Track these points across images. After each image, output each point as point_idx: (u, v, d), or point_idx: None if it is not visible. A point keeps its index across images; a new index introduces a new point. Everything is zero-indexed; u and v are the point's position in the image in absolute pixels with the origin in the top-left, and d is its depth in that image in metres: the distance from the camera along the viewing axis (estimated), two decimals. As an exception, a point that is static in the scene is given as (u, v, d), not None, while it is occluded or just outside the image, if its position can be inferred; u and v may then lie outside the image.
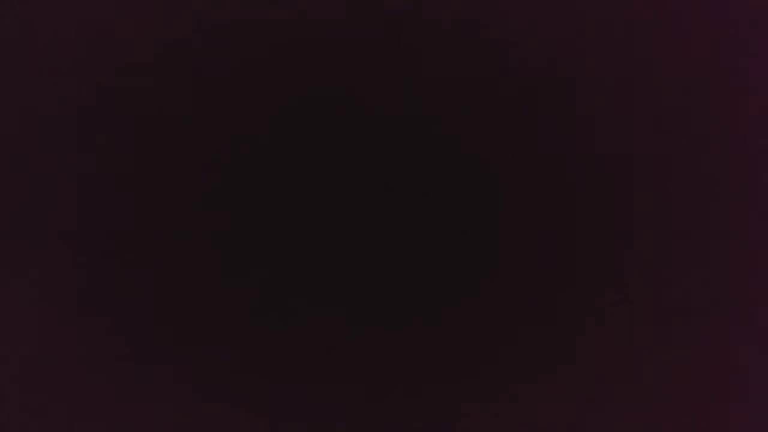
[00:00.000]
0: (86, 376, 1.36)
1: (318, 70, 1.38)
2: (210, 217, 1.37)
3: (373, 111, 1.37)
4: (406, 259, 1.36)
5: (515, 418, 1.35)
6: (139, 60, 1.38)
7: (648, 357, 1.36)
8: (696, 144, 1.37)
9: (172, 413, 1.35)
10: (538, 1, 1.38)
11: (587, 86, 1.38)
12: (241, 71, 1.38)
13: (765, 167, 1.37)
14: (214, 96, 1.38)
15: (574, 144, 1.37)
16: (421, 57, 1.38)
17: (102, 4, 1.39)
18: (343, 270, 1.36)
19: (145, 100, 1.37)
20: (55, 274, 1.36)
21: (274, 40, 1.38)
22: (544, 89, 1.38)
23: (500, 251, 1.36)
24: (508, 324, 1.36)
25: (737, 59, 1.38)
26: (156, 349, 1.35)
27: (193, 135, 1.37)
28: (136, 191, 1.37)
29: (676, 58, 1.38)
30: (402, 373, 1.36)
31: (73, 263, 1.36)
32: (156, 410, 1.35)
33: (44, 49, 1.38)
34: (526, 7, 1.38)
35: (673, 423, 1.35)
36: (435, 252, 1.36)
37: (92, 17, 1.38)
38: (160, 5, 1.38)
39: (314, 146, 1.38)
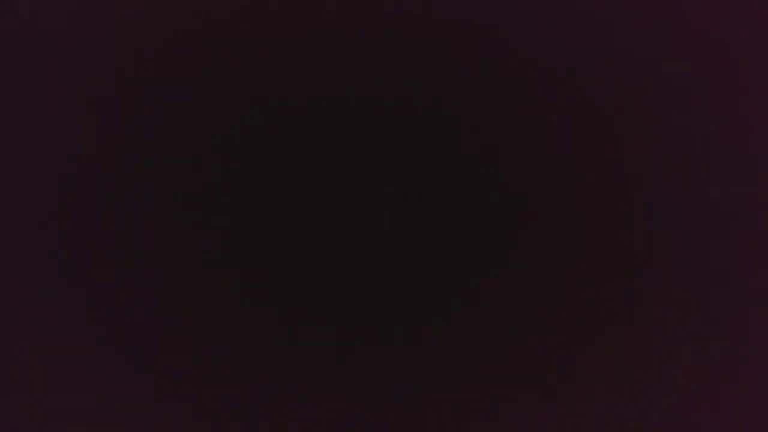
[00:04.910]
0: (86, 377, 1.36)
1: (321, 69, 1.38)
2: (212, 218, 1.37)
3: (376, 111, 1.37)
4: (409, 261, 1.37)
5: (518, 421, 1.36)
6: (137, 59, 1.38)
7: (652, 360, 1.36)
8: (701, 145, 1.37)
9: (172, 415, 1.36)
10: (543, 1, 1.38)
11: (591, 87, 1.38)
12: (240, 70, 1.38)
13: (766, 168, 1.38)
14: (214, 95, 1.38)
15: (577, 145, 1.37)
16: (426, 56, 1.38)
17: (101, 2, 1.39)
18: (344, 272, 1.37)
19: (143, 99, 1.38)
20: (55, 274, 1.36)
21: (274, 38, 1.38)
22: (547, 90, 1.38)
23: (503, 253, 1.37)
24: (511, 327, 1.36)
25: (741, 58, 1.38)
26: (155, 351, 1.36)
27: (193, 135, 1.38)
28: (135, 191, 1.37)
29: (682, 57, 1.38)
30: (405, 375, 1.36)
31: (73, 263, 1.36)
32: (155, 412, 1.36)
33: (42, 47, 1.38)
34: (532, 5, 1.38)
35: (674, 426, 1.36)
36: (437, 254, 1.37)
37: (91, 16, 1.39)
38: (159, 4, 1.38)
39: (318, 147, 1.38)
